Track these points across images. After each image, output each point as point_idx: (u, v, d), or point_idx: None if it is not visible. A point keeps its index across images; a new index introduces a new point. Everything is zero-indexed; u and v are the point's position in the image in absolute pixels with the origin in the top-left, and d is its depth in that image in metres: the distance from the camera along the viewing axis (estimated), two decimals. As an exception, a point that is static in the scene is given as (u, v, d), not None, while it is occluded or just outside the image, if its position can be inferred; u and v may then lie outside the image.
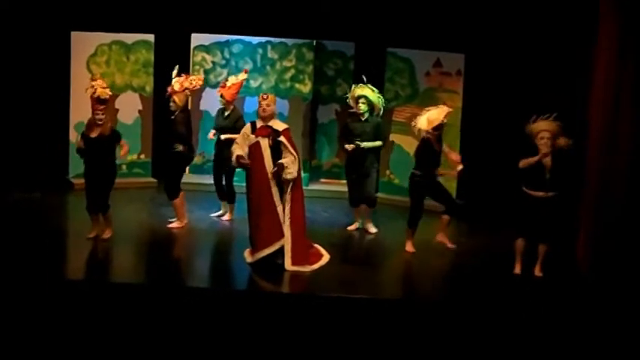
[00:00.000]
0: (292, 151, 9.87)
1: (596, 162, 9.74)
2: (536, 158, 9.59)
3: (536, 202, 9.66)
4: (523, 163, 9.66)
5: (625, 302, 9.01)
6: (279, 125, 10.05)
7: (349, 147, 11.29)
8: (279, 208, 9.87)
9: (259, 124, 10.02)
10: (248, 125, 10.11)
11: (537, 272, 9.83)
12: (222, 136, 11.40)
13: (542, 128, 9.62)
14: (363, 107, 11.28)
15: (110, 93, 10.51)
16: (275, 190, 9.87)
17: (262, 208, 9.86)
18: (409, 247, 10.70)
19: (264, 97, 10.10)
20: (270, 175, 9.82)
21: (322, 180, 13.90)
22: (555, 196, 9.66)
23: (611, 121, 9.62)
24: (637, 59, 9.40)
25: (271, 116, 10.05)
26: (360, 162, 11.32)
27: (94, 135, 10.22)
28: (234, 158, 9.95)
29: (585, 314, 8.87)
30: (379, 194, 12.54)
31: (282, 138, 9.89)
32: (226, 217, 11.74)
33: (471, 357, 8.60)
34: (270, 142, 9.91)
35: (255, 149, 9.93)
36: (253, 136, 9.95)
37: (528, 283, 9.70)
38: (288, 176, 9.79)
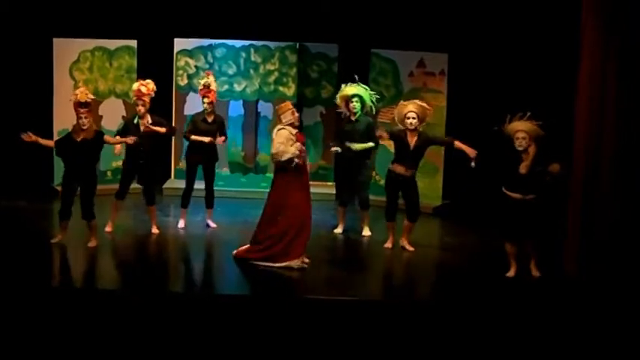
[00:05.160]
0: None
1: (583, 163, 9.73)
2: (531, 158, 9.53)
3: (517, 204, 9.64)
4: (524, 167, 9.59)
5: (613, 304, 9.02)
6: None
7: (333, 149, 11.27)
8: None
9: (293, 131, 10.03)
10: (288, 131, 10.00)
11: (534, 272, 9.78)
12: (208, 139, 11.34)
13: (519, 128, 9.59)
14: (357, 106, 11.20)
15: (92, 97, 10.49)
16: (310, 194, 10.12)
17: (304, 213, 9.97)
18: (388, 243, 10.80)
19: (293, 103, 10.28)
20: (308, 179, 10.13)
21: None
22: (535, 198, 9.64)
23: (597, 121, 9.63)
24: (620, 55, 9.45)
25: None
26: (348, 162, 11.27)
27: (78, 139, 10.18)
28: (299, 154, 9.94)
29: (573, 317, 8.86)
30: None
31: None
32: (210, 223, 11.65)
33: (461, 357, 8.59)
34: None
35: (301, 155, 10.02)
36: (299, 143, 9.99)
37: (517, 284, 9.69)
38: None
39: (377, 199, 12.38)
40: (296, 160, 9.91)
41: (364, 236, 11.45)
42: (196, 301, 9.04)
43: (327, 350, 8.57)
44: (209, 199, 11.57)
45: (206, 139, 11.24)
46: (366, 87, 11.35)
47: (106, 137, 10.50)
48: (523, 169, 9.51)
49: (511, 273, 9.85)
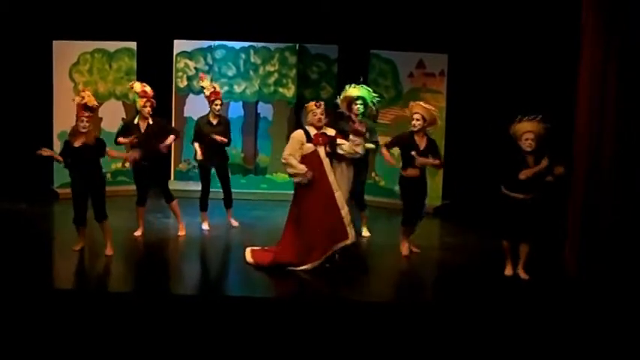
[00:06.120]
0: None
1: (583, 163, 9.74)
2: (537, 168, 9.57)
3: (516, 203, 9.65)
4: (524, 174, 9.61)
5: (613, 304, 9.03)
6: (330, 131, 10.10)
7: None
8: (344, 211, 9.93)
9: (312, 131, 9.99)
10: (301, 133, 10.01)
11: (522, 274, 9.79)
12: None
13: (527, 129, 9.60)
14: (360, 109, 11.13)
15: (96, 103, 10.47)
16: (339, 195, 9.95)
17: (327, 215, 9.86)
18: (404, 250, 10.68)
19: (318, 105, 10.07)
20: (331, 181, 9.92)
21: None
22: (535, 198, 9.65)
23: (597, 121, 9.63)
24: (620, 55, 9.45)
25: (325, 124, 10.08)
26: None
27: (77, 144, 10.09)
28: (306, 176, 9.85)
29: (573, 317, 8.87)
30: (365, 196, 12.53)
31: (339, 140, 9.98)
32: (233, 222, 11.71)
33: (462, 358, 8.59)
34: (328, 149, 9.96)
35: (313, 158, 9.92)
36: (310, 145, 9.93)
37: (517, 284, 9.69)
38: (357, 149, 10.01)
39: (375, 200, 12.43)
40: (296, 179, 9.92)
41: (363, 237, 11.45)
42: (198, 303, 9.04)
43: (328, 350, 8.57)
44: (227, 199, 11.64)
45: (218, 138, 11.25)
46: (369, 88, 11.30)
47: (109, 151, 10.39)
48: (529, 173, 9.53)
49: (508, 271, 9.86)
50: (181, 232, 11.28)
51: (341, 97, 11.00)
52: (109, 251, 10.31)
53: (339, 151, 10.04)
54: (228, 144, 11.54)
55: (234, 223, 11.72)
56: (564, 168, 9.58)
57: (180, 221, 11.33)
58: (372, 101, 11.06)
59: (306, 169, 9.84)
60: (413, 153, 10.31)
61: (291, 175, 10.04)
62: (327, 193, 9.92)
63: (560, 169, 9.56)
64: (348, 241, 9.96)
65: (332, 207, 9.90)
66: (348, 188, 10.36)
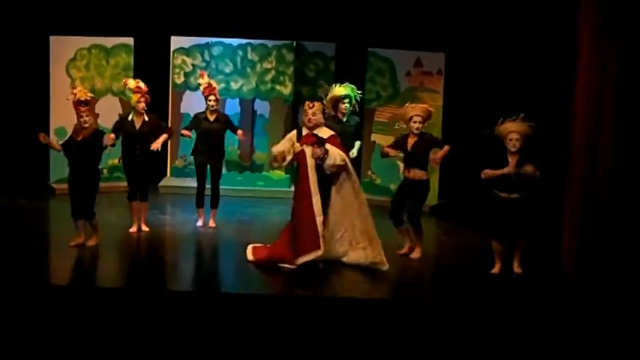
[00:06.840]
0: (339, 151, 9.90)
1: (580, 162, 9.75)
2: (499, 172, 9.60)
3: (505, 203, 9.67)
4: (486, 174, 9.65)
5: (610, 302, 9.04)
6: (324, 133, 10.00)
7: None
8: (319, 219, 9.77)
9: (305, 131, 9.97)
10: (294, 132, 10.05)
11: (516, 268, 9.84)
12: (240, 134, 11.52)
13: (511, 129, 9.62)
14: (348, 107, 11.14)
15: (90, 95, 10.47)
16: (316, 200, 9.79)
17: (303, 216, 9.80)
18: (403, 249, 10.68)
19: (311, 105, 9.99)
20: (311, 183, 9.80)
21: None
22: (522, 197, 9.66)
23: (595, 120, 9.64)
24: (621, 57, 9.46)
25: (318, 125, 9.99)
26: None
27: (79, 138, 10.16)
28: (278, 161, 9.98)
29: (570, 314, 8.89)
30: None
31: (328, 146, 9.84)
32: (210, 223, 11.58)
33: (459, 357, 8.60)
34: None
35: (300, 157, 9.91)
36: (298, 144, 9.91)
37: (514, 282, 9.71)
38: (329, 162, 9.79)
39: (372, 199, 12.36)
40: (274, 163, 10.08)
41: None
42: (194, 300, 9.04)
43: (324, 348, 8.58)
44: (214, 199, 11.52)
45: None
46: (352, 86, 11.25)
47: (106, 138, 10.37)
48: (489, 173, 9.61)
49: (496, 270, 9.89)
50: (144, 229, 11.22)
51: (327, 97, 10.97)
52: (92, 242, 10.37)
53: (328, 161, 9.89)
54: (244, 134, 11.70)
55: (212, 224, 11.52)
56: (535, 168, 9.57)
57: (144, 221, 11.25)
58: (355, 97, 11.09)
59: (277, 152, 9.93)
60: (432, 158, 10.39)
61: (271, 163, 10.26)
62: (306, 194, 9.83)
63: (529, 169, 9.57)
64: (320, 252, 9.79)
65: (308, 209, 9.79)
66: (351, 200, 10.17)
